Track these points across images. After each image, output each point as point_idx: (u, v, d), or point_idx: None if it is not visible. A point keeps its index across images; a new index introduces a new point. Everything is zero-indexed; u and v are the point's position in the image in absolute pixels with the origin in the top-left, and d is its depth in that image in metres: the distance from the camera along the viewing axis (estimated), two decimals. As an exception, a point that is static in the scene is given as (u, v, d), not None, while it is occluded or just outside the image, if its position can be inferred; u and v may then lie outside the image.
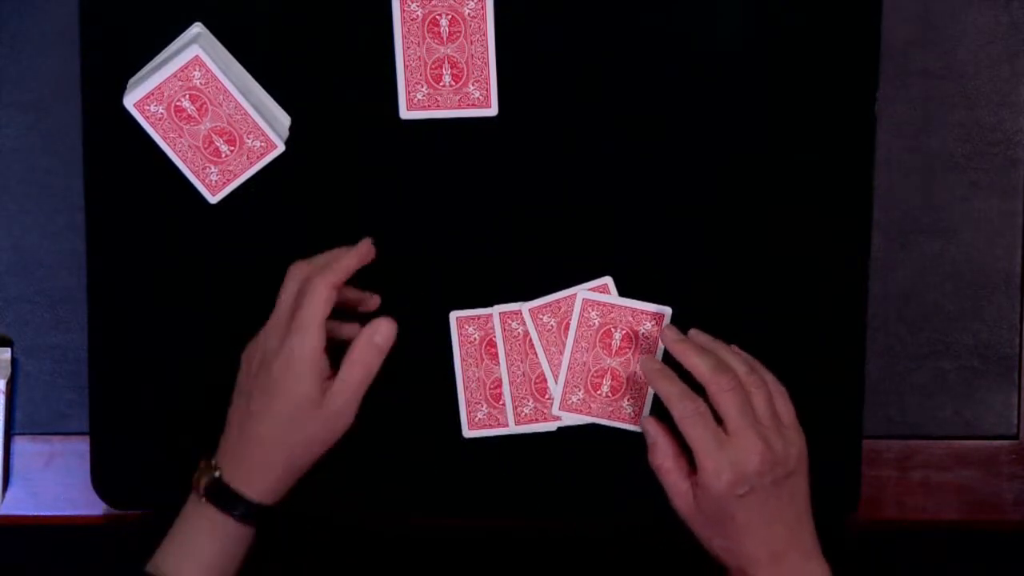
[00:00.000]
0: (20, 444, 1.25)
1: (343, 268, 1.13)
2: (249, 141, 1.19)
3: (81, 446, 1.24)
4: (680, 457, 1.12)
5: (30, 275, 1.24)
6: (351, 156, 1.20)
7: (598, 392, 1.20)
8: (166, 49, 1.20)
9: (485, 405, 1.21)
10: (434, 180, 1.20)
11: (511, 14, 1.18)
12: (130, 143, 1.20)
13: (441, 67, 1.18)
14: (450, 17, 1.18)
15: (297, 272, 1.14)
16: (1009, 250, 1.22)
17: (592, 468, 1.22)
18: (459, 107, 1.19)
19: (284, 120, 1.21)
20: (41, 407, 1.25)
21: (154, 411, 1.22)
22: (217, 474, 1.12)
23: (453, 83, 1.18)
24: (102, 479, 1.23)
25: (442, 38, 1.18)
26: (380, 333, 1.12)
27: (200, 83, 1.18)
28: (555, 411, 1.21)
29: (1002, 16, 1.21)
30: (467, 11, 1.17)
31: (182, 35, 1.20)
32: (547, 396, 1.21)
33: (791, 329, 1.20)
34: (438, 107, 1.19)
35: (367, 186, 1.21)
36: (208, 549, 1.12)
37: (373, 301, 1.19)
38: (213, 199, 1.20)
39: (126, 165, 1.21)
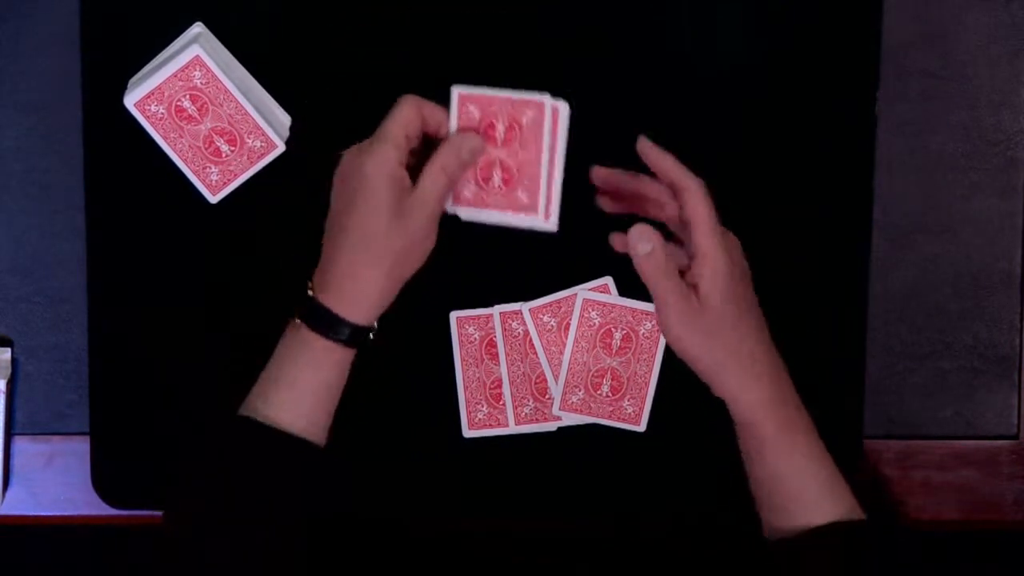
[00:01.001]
0: (20, 444, 1.25)
1: (433, 105, 1.08)
2: (249, 141, 1.19)
3: (81, 446, 1.24)
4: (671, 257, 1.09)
5: (30, 275, 1.24)
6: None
7: (598, 392, 1.20)
8: (166, 49, 1.20)
9: (485, 405, 1.21)
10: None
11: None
12: (130, 143, 1.20)
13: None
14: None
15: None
16: (1009, 250, 1.22)
17: (592, 468, 1.22)
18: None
19: (284, 120, 1.21)
20: (41, 407, 1.25)
21: (154, 411, 1.22)
22: (311, 294, 1.08)
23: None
24: (102, 479, 1.23)
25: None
26: (467, 145, 1.07)
27: (200, 83, 1.18)
28: (555, 411, 1.21)
29: (1002, 16, 1.21)
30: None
31: (182, 35, 1.20)
32: (547, 396, 1.21)
33: (791, 329, 1.20)
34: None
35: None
36: (305, 377, 1.09)
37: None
38: (213, 199, 1.20)
39: (126, 165, 1.21)
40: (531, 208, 1.08)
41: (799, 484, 1.09)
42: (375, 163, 1.06)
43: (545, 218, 1.08)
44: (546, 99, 1.06)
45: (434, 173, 1.07)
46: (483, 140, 1.07)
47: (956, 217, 1.22)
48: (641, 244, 1.07)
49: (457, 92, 1.07)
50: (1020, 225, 1.22)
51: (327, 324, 1.08)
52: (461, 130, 1.08)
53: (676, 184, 1.09)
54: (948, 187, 1.22)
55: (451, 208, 1.09)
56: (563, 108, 1.06)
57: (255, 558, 1.06)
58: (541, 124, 1.06)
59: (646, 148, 1.10)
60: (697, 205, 1.07)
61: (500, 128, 1.07)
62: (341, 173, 1.08)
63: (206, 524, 1.06)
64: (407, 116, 1.07)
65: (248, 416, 1.09)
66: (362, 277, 1.07)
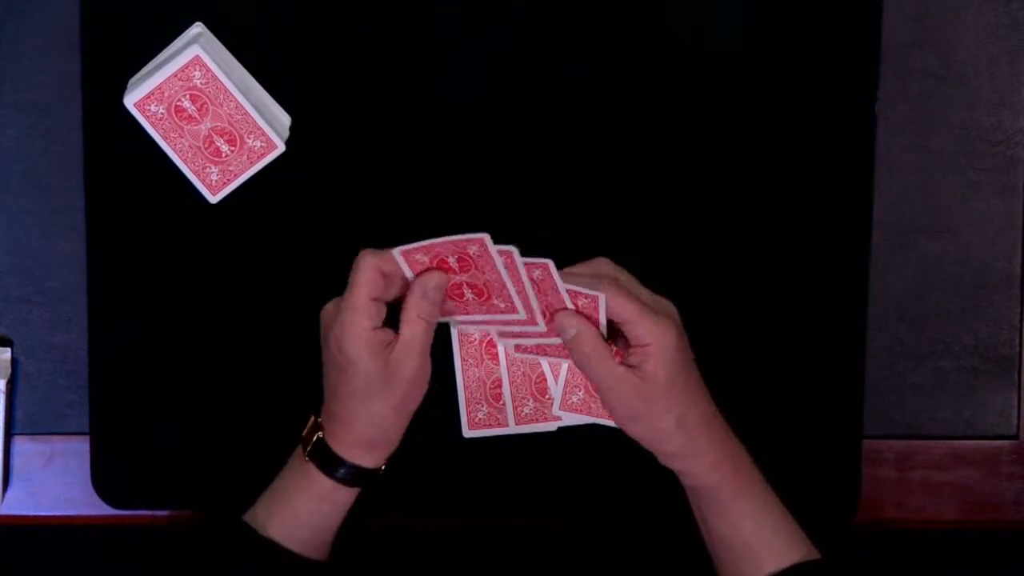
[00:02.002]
0: (20, 444, 1.25)
1: (390, 255, 1.10)
2: (249, 141, 1.19)
3: (81, 446, 1.24)
4: (605, 341, 1.10)
5: (30, 275, 1.24)
6: (351, 156, 1.20)
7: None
8: (166, 49, 1.20)
9: (485, 405, 1.21)
10: (434, 180, 1.20)
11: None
12: (130, 143, 1.20)
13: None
14: None
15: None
16: (1009, 250, 1.22)
17: (592, 468, 1.22)
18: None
19: (284, 120, 1.21)
20: (41, 407, 1.25)
21: (154, 411, 1.22)
22: (320, 435, 1.12)
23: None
24: (102, 479, 1.23)
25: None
26: (431, 284, 1.09)
27: (200, 83, 1.18)
28: (555, 411, 1.20)
29: (1002, 16, 1.21)
30: None
31: (182, 35, 1.20)
32: (547, 396, 1.21)
33: (791, 329, 1.20)
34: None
35: (367, 186, 1.21)
36: (303, 507, 1.12)
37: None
38: (213, 199, 1.20)
39: (126, 165, 1.21)
40: (512, 311, 1.09)
41: (757, 536, 1.10)
42: (351, 338, 1.08)
43: (531, 323, 1.10)
44: (486, 237, 1.06)
45: (411, 322, 1.09)
46: (442, 272, 1.09)
47: (956, 217, 1.22)
48: (567, 328, 1.09)
49: (398, 252, 1.08)
50: (1020, 225, 1.22)
51: (325, 460, 1.12)
52: (419, 275, 1.10)
53: (581, 311, 1.09)
54: (948, 187, 1.22)
55: (442, 319, 1.12)
56: (513, 250, 1.07)
57: None
58: (489, 254, 1.06)
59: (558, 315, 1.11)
60: (615, 307, 1.08)
61: (452, 261, 1.08)
62: (324, 336, 1.11)
63: None
64: (369, 279, 1.08)
65: (247, 523, 1.13)
66: (372, 431, 1.11)
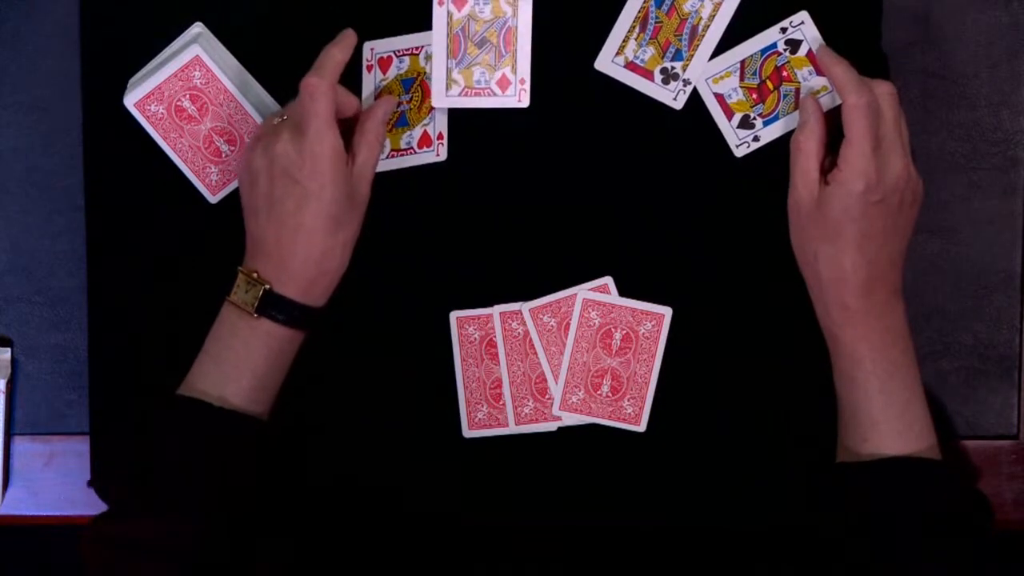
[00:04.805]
0: (20, 444, 1.25)
1: (334, 63, 1.13)
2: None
3: (81, 446, 1.24)
4: (823, 147, 1.13)
5: (30, 275, 1.24)
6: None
7: (598, 392, 1.20)
8: (166, 49, 1.20)
9: (485, 405, 1.21)
10: (435, 179, 1.20)
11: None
12: (130, 143, 1.20)
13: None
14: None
15: (305, 81, 1.13)
16: (1009, 250, 1.22)
17: (592, 468, 1.22)
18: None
19: (284, 120, 1.21)
20: (41, 407, 1.25)
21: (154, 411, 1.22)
22: (267, 287, 1.11)
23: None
24: (102, 479, 1.23)
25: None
26: (383, 107, 1.15)
27: (200, 83, 1.18)
28: (555, 411, 1.21)
29: (1002, 16, 1.21)
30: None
31: (182, 35, 1.20)
32: (547, 396, 1.21)
33: (791, 329, 1.20)
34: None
35: (367, 186, 1.21)
36: (260, 363, 1.13)
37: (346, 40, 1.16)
38: (213, 199, 1.20)
39: (126, 165, 1.21)
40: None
41: (884, 413, 1.11)
42: (326, 159, 1.10)
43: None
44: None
45: (371, 145, 1.14)
46: (394, 101, 1.16)
47: (956, 217, 1.22)
48: (803, 112, 1.13)
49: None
50: (1020, 225, 1.22)
51: (293, 316, 1.12)
52: (379, 98, 1.15)
53: (840, 94, 1.12)
54: (948, 187, 1.22)
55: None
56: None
57: (182, 539, 1.08)
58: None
59: (820, 53, 1.14)
60: (853, 122, 1.10)
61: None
62: (280, 170, 1.11)
63: (136, 505, 1.10)
64: (332, 102, 1.11)
65: (188, 396, 1.12)
66: (319, 265, 1.12)
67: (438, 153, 1.19)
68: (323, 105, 1.10)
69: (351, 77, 1.17)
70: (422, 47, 1.18)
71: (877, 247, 1.11)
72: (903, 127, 1.13)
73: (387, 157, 1.19)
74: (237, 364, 1.12)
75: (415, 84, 1.18)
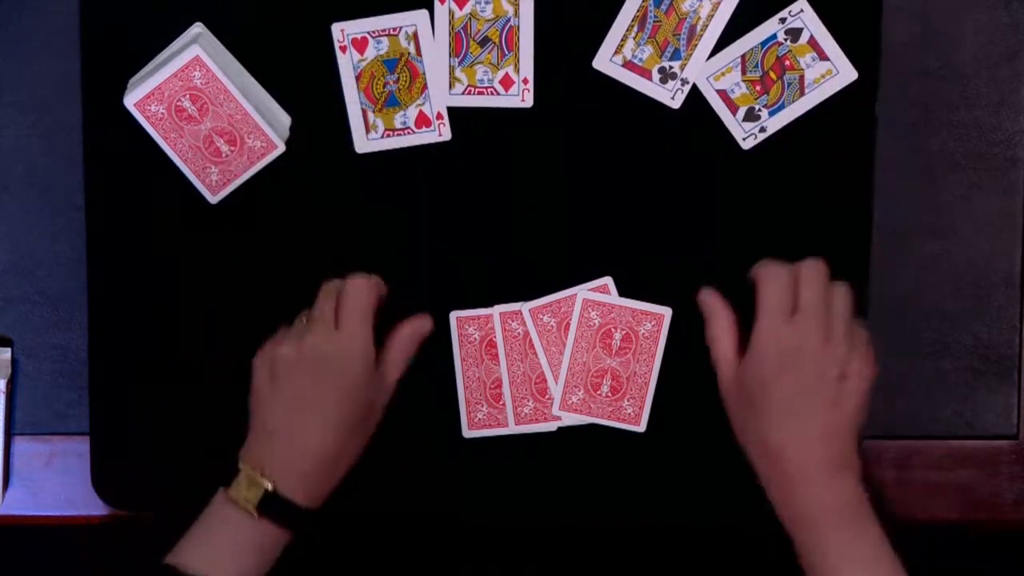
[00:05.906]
0: (20, 444, 1.25)
1: (377, 283, 1.15)
2: (249, 141, 1.19)
3: (81, 446, 1.24)
4: (733, 334, 1.14)
5: (30, 275, 1.24)
6: (351, 156, 1.20)
7: (598, 392, 1.20)
8: (166, 49, 1.20)
9: (485, 405, 1.21)
10: (435, 179, 1.20)
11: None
12: (130, 143, 1.20)
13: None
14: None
15: (330, 284, 1.15)
16: (1009, 250, 1.22)
17: (592, 468, 1.22)
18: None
19: (284, 120, 1.21)
20: (41, 407, 1.25)
21: (154, 411, 1.22)
22: (270, 487, 1.10)
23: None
24: (102, 479, 1.23)
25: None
26: (411, 325, 1.17)
27: (200, 83, 1.18)
28: (555, 411, 1.21)
29: (1002, 16, 1.21)
30: None
31: (182, 35, 1.20)
32: (547, 396, 1.21)
33: (791, 329, 1.20)
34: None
35: (366, 185, 1.21)
36: (249, 559, 1.11)
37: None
38: (213, 199, 1.20)
39: (126, 165, 1.21)
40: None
41: None
42: (361, 355, 1.12)
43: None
44: None
45: (396, 365, 1.15)
46: (431, 321, 1.17)
47: (956, 217, 1.22)
48: (705, 307, 1.16)
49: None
50: (1020, 225, 1.22)
51: (280, 511, 1.11)
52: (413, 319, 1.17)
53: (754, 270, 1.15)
54: (948, 187, 1.22)
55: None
56: None
57: None
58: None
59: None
60: (759, 289, 1.13)
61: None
62: (311, 366, 1.11)
63: None
64: (370, 297, 1.13)
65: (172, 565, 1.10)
66: (331, 467, 1.12)
67: (440, 133, 1.19)
68: (367, 305, 1.13)
69: (324, 62, 1.18)
70: (400, 27, 1.17)
71: (801, 419, 1.09)
72: (843, 309, 1.12)
73: (382, 137, 1.19)
74: (223, 557, 1.10)
75: (400, 64, 1.18)
